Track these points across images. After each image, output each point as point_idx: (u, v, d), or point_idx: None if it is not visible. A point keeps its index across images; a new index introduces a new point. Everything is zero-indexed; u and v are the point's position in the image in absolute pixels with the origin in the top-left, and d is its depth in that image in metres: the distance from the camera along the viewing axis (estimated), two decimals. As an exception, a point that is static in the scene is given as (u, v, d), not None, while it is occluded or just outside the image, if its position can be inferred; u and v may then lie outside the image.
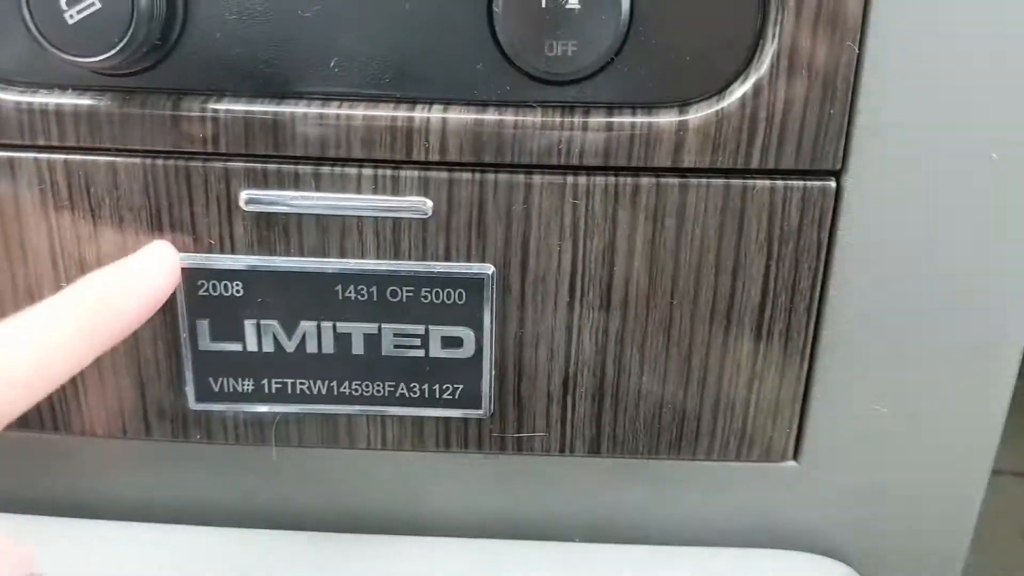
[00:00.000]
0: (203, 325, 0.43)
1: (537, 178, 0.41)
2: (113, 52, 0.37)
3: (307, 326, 0.43)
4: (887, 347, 0.44)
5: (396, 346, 0.44)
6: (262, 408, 0.45)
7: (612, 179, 0.41)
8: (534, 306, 0.43)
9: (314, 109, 0.40)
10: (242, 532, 0.48)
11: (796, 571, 0.48)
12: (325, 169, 0.41)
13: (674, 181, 0.41)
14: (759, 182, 0.40)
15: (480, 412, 0.45)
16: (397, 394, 0.45)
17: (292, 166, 0.41)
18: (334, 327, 0.43)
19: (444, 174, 0.41)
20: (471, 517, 0.49)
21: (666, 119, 0.40)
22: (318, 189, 0.41)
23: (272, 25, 0.39)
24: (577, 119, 0.40)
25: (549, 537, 0.48)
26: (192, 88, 0.40)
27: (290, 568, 0.47)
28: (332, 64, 0.40)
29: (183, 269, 0.42)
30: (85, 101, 0.40)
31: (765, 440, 0.46)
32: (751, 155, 0.40)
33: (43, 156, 0.41)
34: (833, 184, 0.41)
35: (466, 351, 0.44)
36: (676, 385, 0.44)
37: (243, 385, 0.45)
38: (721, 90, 0.40)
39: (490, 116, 0.40)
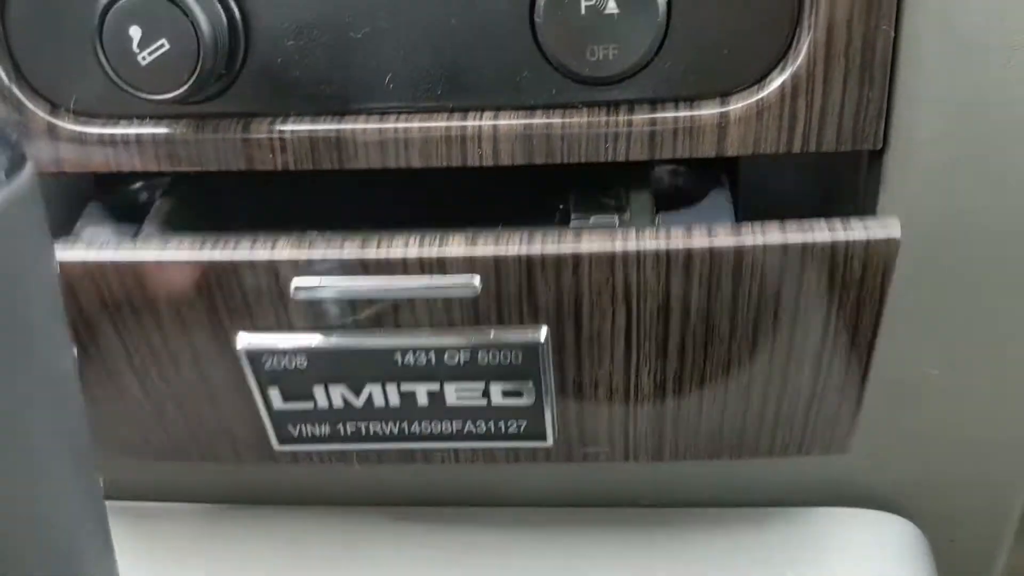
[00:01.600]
0: (274, 391, 0.46)
1: (585, 245, 0.41)
2: (184, 88, 0.40)
3: (372, 387, 0.46)
4: (932, 316, 0.45)
5: (459, 398, 0.46)
6: (339, 447, 0.48)
7: (663, 247, 0.41)
8: (590, 359, 0.45)
9: (373, 124, 0.42)
10: (323, 509, 0.52)
11: (860, 526, 0.51)
12: (371, 251, 0.42)
13: (729, 246, 0.41)
14: (820, 239, 0.41)
15: (546, 443, 0.47)
16: (464, 431, 0.47)
17: (338, 250, 0.42)
18: (398, 386, 0.46)
19: (491, 248, 0.42)
20: (547, 487, 0.52)
21: (708, 111, 0.41)
22: (366, 273, 0.42)
23: (328, 48, 0.41)
24: (622, 116, 0.41)
25: (619, 503, 0.51)
26: (259, 111, 0.43)
27: (371, 539, 0.51)
28: (387, 81, 0.42)
29: (248, 351, 0.44)
30: (162, 129, 0.43)
31: (826, 440, 0.47)
32: (793, 140, 0.41)
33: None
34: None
35: (527, 399, 0.46)
36: (736, 398, 0.46)
37: (320, 430, 0.47)
38: (760, 80, 0.41)
39: (538, 120, 0.42)
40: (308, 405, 0.46)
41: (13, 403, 0.25)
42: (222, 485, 0.55)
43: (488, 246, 0.41)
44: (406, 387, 0.46)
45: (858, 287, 0.42)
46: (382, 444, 0.48)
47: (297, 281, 0.43)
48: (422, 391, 0.46)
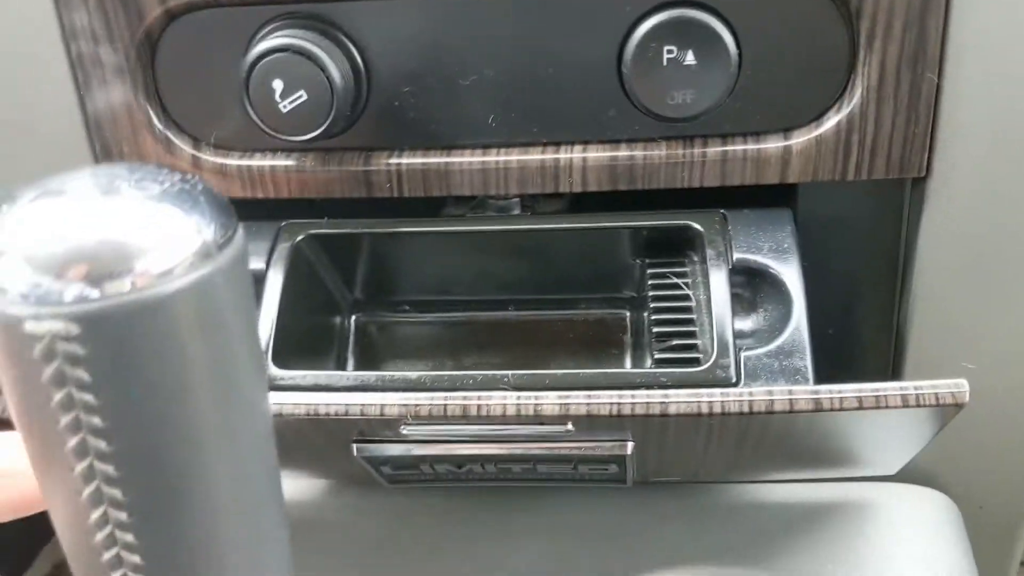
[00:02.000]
0: (385, 468, 0.50)
1: (673, 407, 0.42)
2: (319, 131, 0.46)
3: (472, 466, 0.50)
4: (971, 317, 0.51)
5: (550, 470, 0.50)
6: (443, 485, 0.53)
7: (747, 410, 0.42)
8: (671, 456, 0.49)
9: (477, 157, 0.49)
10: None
11: (900, 499, 0.57)
12: (472, 410, 0.43)
13: (809, 409, 0.42)
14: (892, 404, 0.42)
15: (624, 485, 0.52)
16: (552, 476, 0.52)
17: (442, 405, 0.43)
18: (496, 465, 0.50)
19: (584, 404, 0.42)
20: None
21: (773, 144, 0.47)
22: (465, 421, 0.43)
23: (438, 93, 0.48)
24: (697, 149, 0.47)
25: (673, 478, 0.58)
26: (377, 145, 0.49)
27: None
28: (490, 120, 0.48)
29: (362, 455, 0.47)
30: (292, 162, 0.50)
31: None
32: (847, 169, 0.47)
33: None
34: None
35: (611, 472, 0.50)
36: None
37: (425, 475, 0.52)
38: (819, 117, 0.47)
39: (623, 152, 0.48)
40: (415, 472, 0.51)
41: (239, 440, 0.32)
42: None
43: (580, 404, 0.42)
44: (503, 465, 0.49)
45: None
46: (480, 483, 0.53)
47: (407, 429, 0.45)
48: (517, 467, 0.50)
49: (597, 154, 0.48)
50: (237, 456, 0.33)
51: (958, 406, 0.42)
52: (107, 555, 0.32)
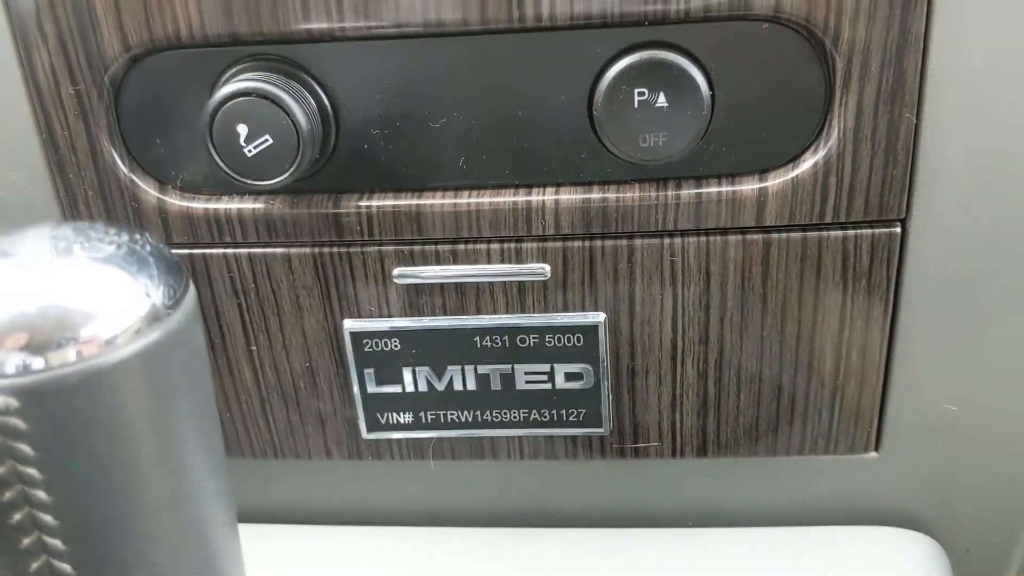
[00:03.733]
0: (369, 373, 0.52)
1: (638, 241, 0.48)
2: (285, 175, 0.45)
3: (453, 370, 0.52)
4: (953, 357, 0.50)
5: (527, 382, 0.52)
6: (420, 434, 0.54)
7: (704, 238, 0.48)
8: (642, 344, 0.51)
9: (448, 199, 0.48)
10: (407, 529, 0.58)
11: (883, 543, 0.56)
12: (460, 247, 0.49)
13: (758, 236, 0.47)
14: (832, 233, 0.47)
15: (601, 430, 0.53)
16: (531, 419, 0.53)
17: (433, 246, 0.49)
18: (475, 369, 0.52)
19: (559, 244, 0.48)
20: (596, 510, 0.58)
21: (748, 187, 0.46)
22: (455, 262, 0.49)
23: (409, 136, 0.47)
24: (671, 192, 0.46)
25: (665, 525, 0.57)
26: (347, 188, 0.48)
27: (446, 558, 0.57)
28: (461, 162, 0.47)
29: (352, 332, 0.51)
30: (260, 205, 0.49)
31: (849, 438, 0.53)
32: (825, 212, 0.46)
33: (230, 251, 0.50)
34: (899, 229, 0.47)
35: (586, 383, 0.52)
36: (769, 399, 0.52)
37: (404, 417, 0.54)
38: (795, 159, 0.46)
39: (595, 195, 0.47)
40: (396, 388, 0.53)
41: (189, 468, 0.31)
42: (308, 508, 0.61)
43: (558, 242, 0.48)
44: (482, 369, 0.52)
45: (867, 275, 0.48)
46: (457, 431, 0.54)
47: (399, 270, 0.49)
48: (495, 374, 0.52)
49: (570, 196, 0.47)
50: (188, 522, 0.32)
51: (891, 235, 0.47)
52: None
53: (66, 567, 0.30)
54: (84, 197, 0.49)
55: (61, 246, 0.30)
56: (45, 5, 0.45)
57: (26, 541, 0.29)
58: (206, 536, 0.32)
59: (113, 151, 0.48)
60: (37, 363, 0.28)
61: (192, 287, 0.32)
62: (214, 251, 0.50)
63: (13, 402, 0.27)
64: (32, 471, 0.28)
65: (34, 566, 0.30)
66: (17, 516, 0.29)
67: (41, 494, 0.28)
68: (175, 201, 0.49)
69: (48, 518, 0.29)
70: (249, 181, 0.46)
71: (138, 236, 0.31)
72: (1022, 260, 0.47)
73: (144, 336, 0.29)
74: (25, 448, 0.28)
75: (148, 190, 0.49)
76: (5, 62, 0.47)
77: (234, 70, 0.46)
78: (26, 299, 0.29)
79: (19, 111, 0.48)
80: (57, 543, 0.29)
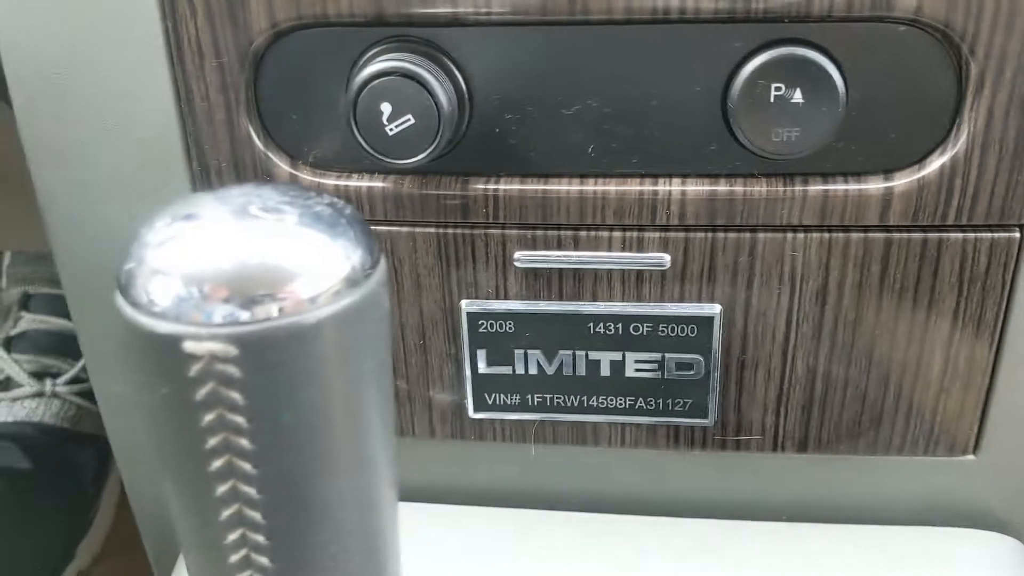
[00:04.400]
0: (482, 353, 0.53)
1: (761, 235, 0.49)
2: (422, 156, 0.46)
3: (564, 354, 0.53)
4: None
5: (637, 370, 0.53)
6: (525, 416, 0.55)
7: (827, 235, 0.48)
8: (755, 337, 0.51)
9: (575, 186, 0.49)
10: (508, 511, 0.59)
11: (974, 545, 0.57)
12: (582, 233, 0.50)
13: (880, 236, 0.48)
14: (952, 235, 0.48)
15: (706, 421, 0.54)
16: (636, 406, 0.54)
17: (556, 231, 0.50)
18: (586, 355, 0.53)
19: (681, 234, 0.49)
20: (692, 500, 0.58)
21: (874, 186, 0.47)
22: (576, 248, 0.50)
23: (540, 121, 0.48)
24: (797, 188, 0.47)
25: (760, 518, 0.58)
26: (475, 171, 0.49)
27: (543, 539, 0.58)
28: (590, 150, 0.48)
29: (469, 312, 0.52)
30: (390, 184, 0.50)
31: (949, 439, 0.54)
32: (947, 214, 0.47)
33: (357, 228, 0.51)
34: (1018, 235, 0.47)
35: (696, 374, 0.53)
36: (875, 397, 0.53)
37: (511, 399, 0.55)
38: (922, 160, 0.47)
39: (722, 187, 0.48)
40: (507, 370, 0.54)
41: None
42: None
43: (680, 232, 0.50)
44: (593, 355, 0.53)
45: (983, 279, 0.49)
46: (563, 415, 0.55)
47: (520, 254, 0.51)
48: (606, 360, 0.53)
49: (696, 188, 0.48)
50: (367, 482, 0.33)
51: (1010, 239, 0.47)
52: (238, 576, 0.32)
53: (256, 516, 0.31)
54: (217, 169, 0.50)
55: (261, 205, 0.31)
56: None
57: (221, 489, 0.30)
58: (380, 495, 0.34)
59: (249, 125, 0.49)
60: (245, 315, 0.29)
61: (383, 256, 0.33)
62: (340, 227, 0.51)
63: (232, 349, 0.28)
64: (240, 419, 0.29)
65: (225, 514, 0.31)
66: (217, 463, 0.30)
67: (244, 442, 0.30)
68: (307, 177, 0.50)
69: (248, 466, 0.30)
70: (389, 160, 0.47)
71: (336, 200, 0.32)
72: None
73: (345, 297, 0.30)
74: (236, 396, 0.29)
75: (281, 165, 0.50)
76: (151, 35, 0.48)
77: (375, 50, 0.47)
78: (232, 254, 0.30)
79: (160, 85, 0.49)
80: (252, 492, 0.30)
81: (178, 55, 0.48)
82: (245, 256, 0.30)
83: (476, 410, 0.55)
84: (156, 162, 0.51)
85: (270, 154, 0.50)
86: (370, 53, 0.47)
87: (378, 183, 0.50)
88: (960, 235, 0.48)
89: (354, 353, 0.31)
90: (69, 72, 0.50)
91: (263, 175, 0.50)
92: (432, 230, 0.51)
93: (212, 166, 0.51)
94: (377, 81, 0.45)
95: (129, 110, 0.51)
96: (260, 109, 0.50)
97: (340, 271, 0.30)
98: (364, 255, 0.31)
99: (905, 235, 0.48)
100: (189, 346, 0.28)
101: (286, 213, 0.31)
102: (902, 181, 0.47)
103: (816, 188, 0.47)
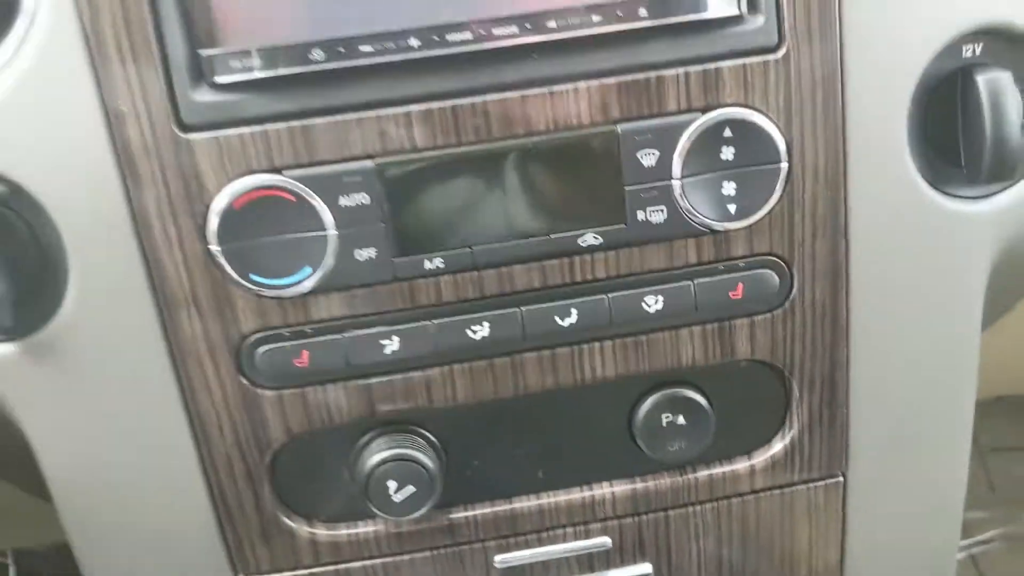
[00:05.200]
0: None
1: (671, 512, 0.67)
2: (423, 510, 0.61)
3: None
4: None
5: None
6: None
7: (715, 504, 0.67)
8: None
9: (533, 502, 0.65)
10: None
11: None
12: (544, 534, 0.66)
13: (751, 497, 0.67)
14: (798, 487, 0.67)
15: None
16: None
17: (524, 536, 0.66)
18: None
19: (615, 522, 0.66)
20: None
21: (741, 465, 0.66)
22: (540, 545, 0.67)
23: (501, 460, 0.64)
24: (689, 475, 0.66)
25: None
26: (458, 504, 0.65)
27: None
28: (539, 473, 0.65)
29: None
30: (392, 527, 0.64)
31: None
32: (794, 475, 0.67)
33: (368, 563, 0.65)
34: (841, 479, 0.68)
35: None
36: None
37: None
38: (768, 442, 0.66)
39: (639, 484, 0.66)
40: None
41: None
42: None
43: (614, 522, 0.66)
44: None
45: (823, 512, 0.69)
46: None
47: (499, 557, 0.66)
48: None
49: (621, 487, 0.66)
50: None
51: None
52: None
53: None
54: (250, 545, 0.63)
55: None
56: (220, 402, 0.60)
57: None
58: None
59: (271, 498, 0.63)
60: None
61: None
62: (354, 564, 0.65)
63: None
64: None
65: None
66: None
67: None
68: (322, 531, 0.64)
69: None
70: (393, 517, 0.62)
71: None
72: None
73: None
74: None
75: (299, 526, 0.64)
76: (183, 449, 0.61)
77: (371, 434, 0.62)
78: None
79: (194, 484, 0.62)
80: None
81: (211, 460, 0.61)
82: None
83: None
84: (193, 551, 0.64)
85: (288, 520, 0.63)
86: (366, 437, 0.62)
87: (380, 527, 0.64)
88: (804, 487, 0.67)
89: None
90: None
91: (287, 538, 0.64)
92: (428, 553, 0.65)
93: (244, 541, 0.63)
94: (384, 466, 0.60)
95: (169, 531, 0.63)
96: (279, 488, 0.63)
97: None
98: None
99: (767, 493, 0.67)
100: None
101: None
102: (759, 459, 0.66)
103: (703, 473, 0.66)
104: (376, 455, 0.61)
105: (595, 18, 0.54)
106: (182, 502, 0.63)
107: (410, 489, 0.61)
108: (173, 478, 0.62)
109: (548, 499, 0.66)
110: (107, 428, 0.61)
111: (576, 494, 0.66)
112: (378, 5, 0.54)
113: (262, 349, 0.59)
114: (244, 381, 0.59)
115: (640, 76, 0.55)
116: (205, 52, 0.54)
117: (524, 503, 0.65)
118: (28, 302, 0.57)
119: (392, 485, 0.61)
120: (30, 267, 0.57)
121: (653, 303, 0.60)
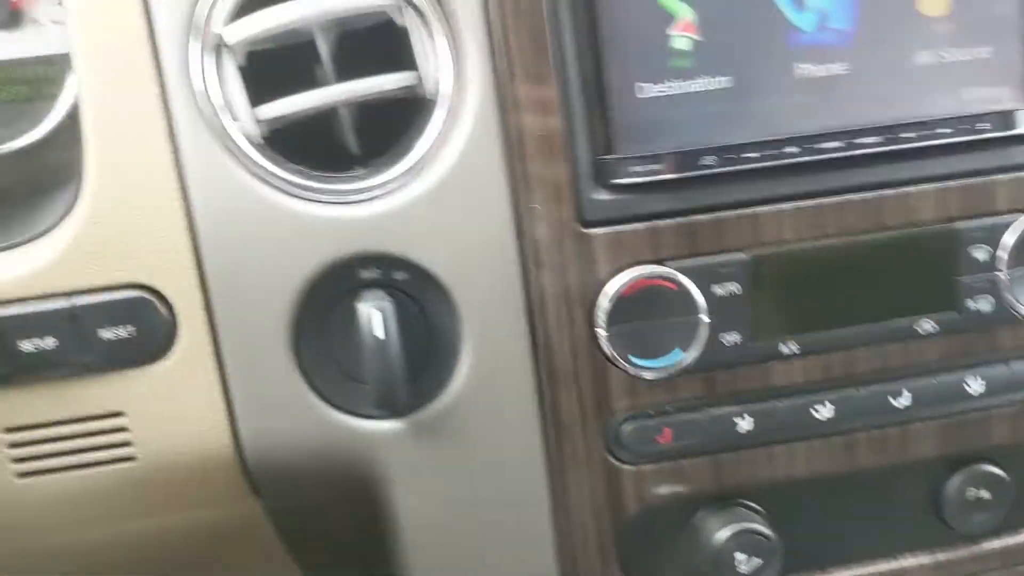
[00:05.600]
0: None
1: None
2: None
3: None
4: None
5: None
6: None
7: None
8: None
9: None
10: None
11: None
12: None
13: None
14: None
15: None
16: None
17: None
18: None
19: None
20: None
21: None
22: None
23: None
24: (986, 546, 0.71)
25: None
26: None
27: None
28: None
29: None
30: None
31: None
32: None
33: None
34: None
35: None
36: None
37: None
38: None
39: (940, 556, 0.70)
40: None
41: None
42: None
43: None
44: None
45: None
46: None
47: None
48: None
49: (925, 559, 0.70)
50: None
51: None
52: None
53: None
54: None
55: None
56: (584, 475, 0.64)
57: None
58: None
59: (617, 571, 0.66)
60: None
61: None
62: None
63: None
64: None
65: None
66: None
67: None
68: None
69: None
70: (736, 588, 0.66)
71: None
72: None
73: None
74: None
75: None
76: (540, 526, 0.65)
77: (710, 508, 0.66)
78: None
79: (546, 558, 0.65)
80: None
81: (566, 537, 0.65)
82: None
83: None
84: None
85: None
86: (704, 513, 0.66)
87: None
88: None
89: None
90: None
91: None
92: None
93: None
94: (734, 540, 0.64)
95: None
96: (623, 559, 0.67)
97: None
98: None
99: None
100: None
101: None
102: None
103: (996, 544, 0.71)
104: (724, 529, 0.65)
105: (942, 130, 0.62)
106: (532, 571, 0.66)
107: (757, 562, 0.65)
108: (526, 549, 0.65)
109: (859, 570, 0.70)
110: (471, 499, 0.64)
111: (883, 565, 0.70)
112: (760, 118, 0.61)
113: (629, 426, 0.63)
114: (608, 456, 0.64)
115: (978, 180, 0.63)
116: (606, 157, 0.60)
117: (838, 574, 0.70)
118: (412, 383, 0.61)
119: (741, 557, 0.65)
120: (420, 350, 0.62)
121: (975, 385, 0.66)
